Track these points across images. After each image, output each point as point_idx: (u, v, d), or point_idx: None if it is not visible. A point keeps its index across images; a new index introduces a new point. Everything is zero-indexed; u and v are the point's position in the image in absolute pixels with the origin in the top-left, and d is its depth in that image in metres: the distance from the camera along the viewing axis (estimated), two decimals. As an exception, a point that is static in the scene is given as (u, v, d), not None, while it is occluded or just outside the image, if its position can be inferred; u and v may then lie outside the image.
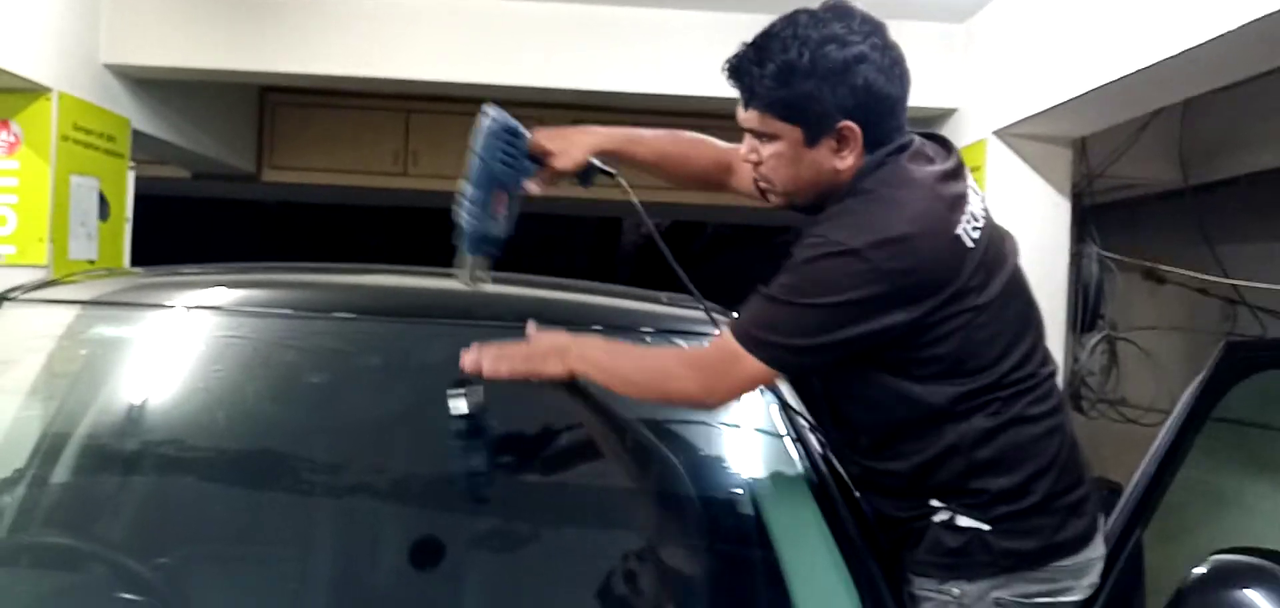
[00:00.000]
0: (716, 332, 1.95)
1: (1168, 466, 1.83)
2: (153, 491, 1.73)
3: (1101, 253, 4.14)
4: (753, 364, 1.60)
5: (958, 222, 1.61)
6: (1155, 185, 4.30)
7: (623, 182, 1.87)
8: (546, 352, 1.70)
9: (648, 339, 1.94)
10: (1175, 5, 2.84)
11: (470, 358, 1.67)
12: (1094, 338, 4.22)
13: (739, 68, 1.65)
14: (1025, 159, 3.89)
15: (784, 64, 1.59)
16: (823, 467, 1.74)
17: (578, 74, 4.60)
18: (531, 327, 1.75)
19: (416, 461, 1.82)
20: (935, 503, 1.66)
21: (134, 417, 1.82)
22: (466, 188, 1.77)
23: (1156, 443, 1.87)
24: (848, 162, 1.63)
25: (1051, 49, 3.49)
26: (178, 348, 1.89)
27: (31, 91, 3.76)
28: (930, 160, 1.66)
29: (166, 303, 2.00)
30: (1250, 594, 1.53)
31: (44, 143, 3.79)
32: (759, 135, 1.67)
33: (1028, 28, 3.69)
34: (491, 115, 1.79)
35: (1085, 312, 4.16)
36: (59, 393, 1.87)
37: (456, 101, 5.93)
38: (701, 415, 1.79)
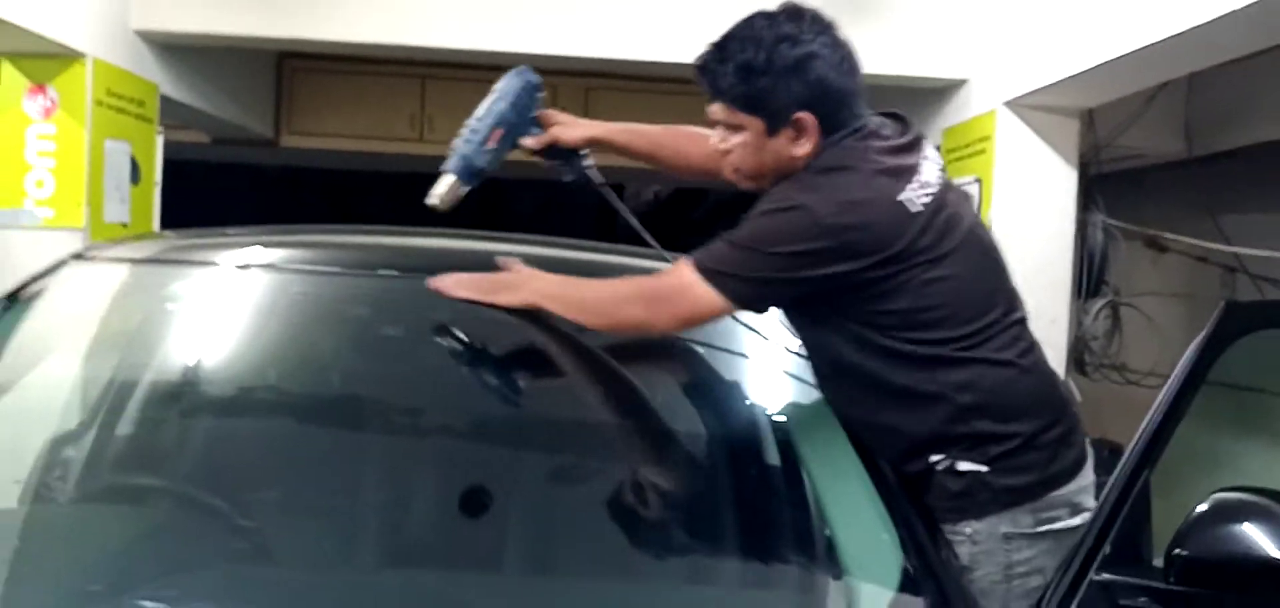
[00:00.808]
0: None
1: (1172, 415, 1.94)
2: (231, 434, 1.84)
3: (1107, 221, 4.25)
4: (705, 293, 1.74)
5: (902, 189, 1.75)
6: (1160, 156, 4.40)
7: (597, 180, 2.09)
8: (507, 282, 1.85)
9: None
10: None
11: (437, 282, 1.83)
12: (1098, 304, 4.34)
13: (705, 67, 1.82)
14: (1034, 129, 3.99)
15: (743, 63, 1.76)
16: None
17: (592, 42, 4.68)
18: (502, 261, 1.90)
19: (464, 408, 1.90)
20: (934, 456, 1.79)
21: (208, 366, 1.92)
22: (473, 119, 2.00)
23: (1162, 394, 1.98)
24: (805, 148, 1.78)
25: (1061, 23, 3.58)
26: (248, 302, 2.00)
27: (67, 57, 3.85)
28: (882, 137, 1.81)
29: (233, 262, 2.10)
30: (1248, 527, 1.65)
31: (79, 107, 3.88)
32: (727, 126, 1.84)
33: (1038, 1, 3.79)
34: (529, 74, 2.02)
35: (1090, 278, 4.28)
36: (139, 346, 1.97)
37: (472, 68, 5.98)
38: (741, 364, 1.89)
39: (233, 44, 4.84)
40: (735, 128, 1.82)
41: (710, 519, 1.72)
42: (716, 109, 1.84)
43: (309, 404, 1.86)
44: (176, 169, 5.03)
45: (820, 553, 1.62)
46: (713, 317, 1.79)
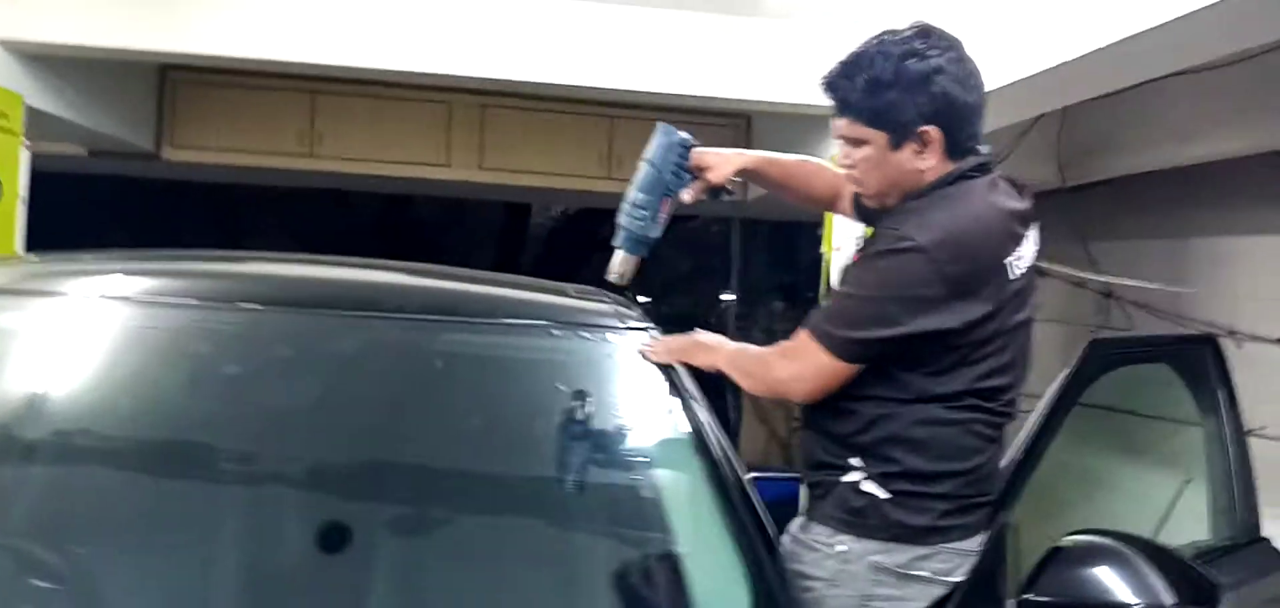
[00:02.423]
0: (620, 326, 2.05)
1: (1032, 455, 1.98)
2: (43, 481, 1.73)
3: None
4: (818, 357, 1.79)
5: (1009, 252, 1.80)
6: (1036, 185, 4.53)
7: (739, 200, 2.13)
8: (704, 345, 1.98)
9: (553, 332, 2.02)
10: (1056, 20, 3.03)
11: (651, 350, 1.98)
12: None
13: (833, 83, 1.85)
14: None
15: (871, 78, 1.79)
16: (714, 445, 1.85)
17: (488, 62, 4.63)
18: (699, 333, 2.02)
19: (314, 450, 1.83)
20: (854, 462, 1.82)
21: (24, 408, 1.81)
22: (635, 194, 2.03)
23: (1022, 434, 2.02)
24: (930, 162, 1.81)
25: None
26: (71, 338, 1.88)
27: (-81, 66, 3.65)
28: (1005, 195, 1.85)
29: (59, 291, 1.98)
30: (1100, 571, 1.69)
31: (-68, 119, 3.67)
32: (851, 141, 1.86)
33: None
34: (673, 132, 2.03)
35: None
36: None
37: (364, 83, 5.92)
38: (600, 400, 1.88)
39: (109, 56, 4.64)
40: (858, 142, 1.85)
41: (565, 556, 1.72)
42: (841, 125, 1.86)
43: (144, 453, 1.77)
44: (51, 182, 4.81)
45: (672, 598, 1.60)
46: (834, 380, 1.80)
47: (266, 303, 1.97)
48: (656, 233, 2.05)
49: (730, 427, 6.83)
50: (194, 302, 1.96)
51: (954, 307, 1.73)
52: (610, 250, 2.07)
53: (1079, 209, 4.43)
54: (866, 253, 1.82)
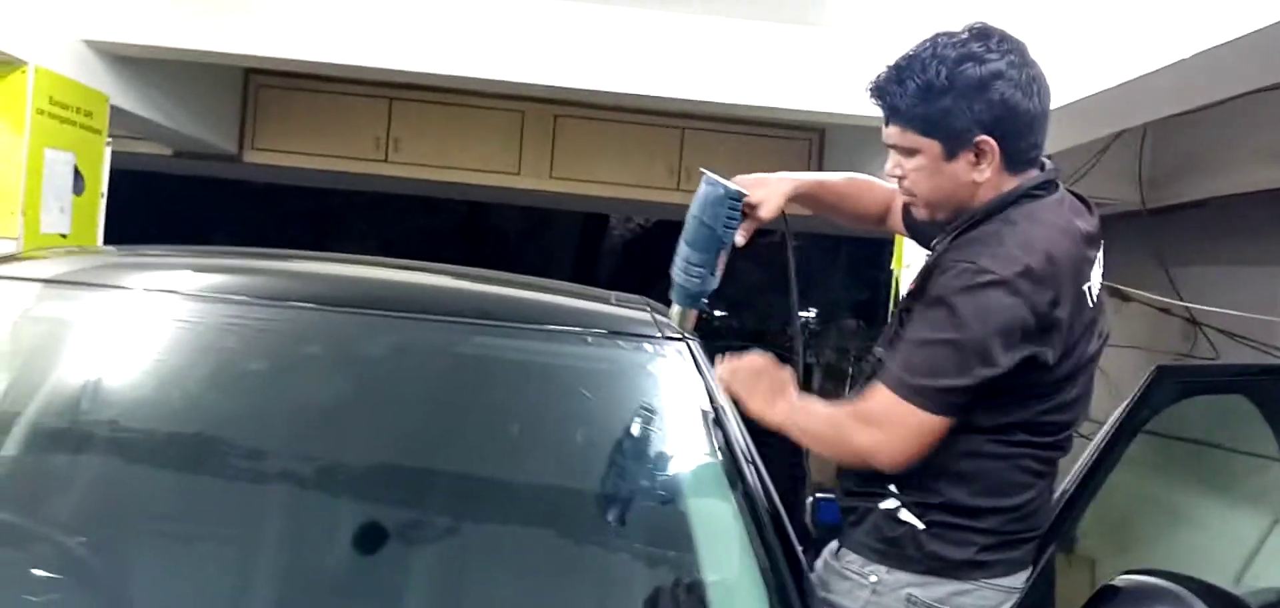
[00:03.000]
0: (659, 335, 1.99)
1: (1088, 486, 1.87)
2: (93, 474, 1.75)
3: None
4: (909, 415, 1.63)
5: (1086, 278, 1.68)
6: (1116, 206, 4.36)
7: (788, 223, 2.00)
8: (762, 393, 1.80)
9: (588, 340, 1.97)
10: (1136, 30, 2.89)
11: (721, 370, 1.84)
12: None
13: (882, 88, 1.73)
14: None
15: (923, 83, 1.66)
16: (745, 465, 1.78)
17: (561, 70, 4.62)
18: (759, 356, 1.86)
19: (359, 451, 1.83)
20: (892, 489, 1.72)
21: (77, 400, 1.84)
22: (689, 252, 1.90)
23: (1079, 462, 1.91)
24: (986, 174, 1.68)
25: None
26: (130, 331, 1.91)
27: (6, 64, 3.77)
28: (1074, 214, 1.73)
29: (123, 284, 2.01)
30: (1156, 615, 1.57)
31: (18, 115, 3.80)
32: (901, 151, 1.74)
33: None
34: (720, 184, 1.89)
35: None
36: (7, 371, 1.89)
37: (439, 91, 5.99)
38: (631, 411, 1.83)
39: (189, 58, 4.76)
40: (909, 152, 1.72)
41: (583, 573, 1.67)
42: (892, 133, 1.74)
43: (189, 447, 1.78)
44: (136, 181, 4.98)
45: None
46: (933, 440, 1.65)
47: (310, 302, 1.97)
48: (714, 285, 1.93)
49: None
50: (232, 297, 1.96)
51: (1044, 340, 1.61)
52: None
53: (1161, 232, 4.23)
54: (935, 292, 1.66)
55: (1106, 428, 1.96)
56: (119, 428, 1.80)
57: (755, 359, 1.83)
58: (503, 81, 4.75)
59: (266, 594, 1.61)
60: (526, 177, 6.33)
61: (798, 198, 2.00)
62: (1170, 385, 2.08)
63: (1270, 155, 3.63)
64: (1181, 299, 4.02)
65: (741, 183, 1.92)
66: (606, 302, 2.16)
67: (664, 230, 10.80)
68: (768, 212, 1.92)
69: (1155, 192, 4.22)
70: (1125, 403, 2.01)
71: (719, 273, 1.93)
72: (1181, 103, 3.18)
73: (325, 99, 6.17)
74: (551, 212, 10.64)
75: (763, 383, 1.80)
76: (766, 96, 4.61)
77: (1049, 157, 1.77)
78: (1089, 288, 1.68)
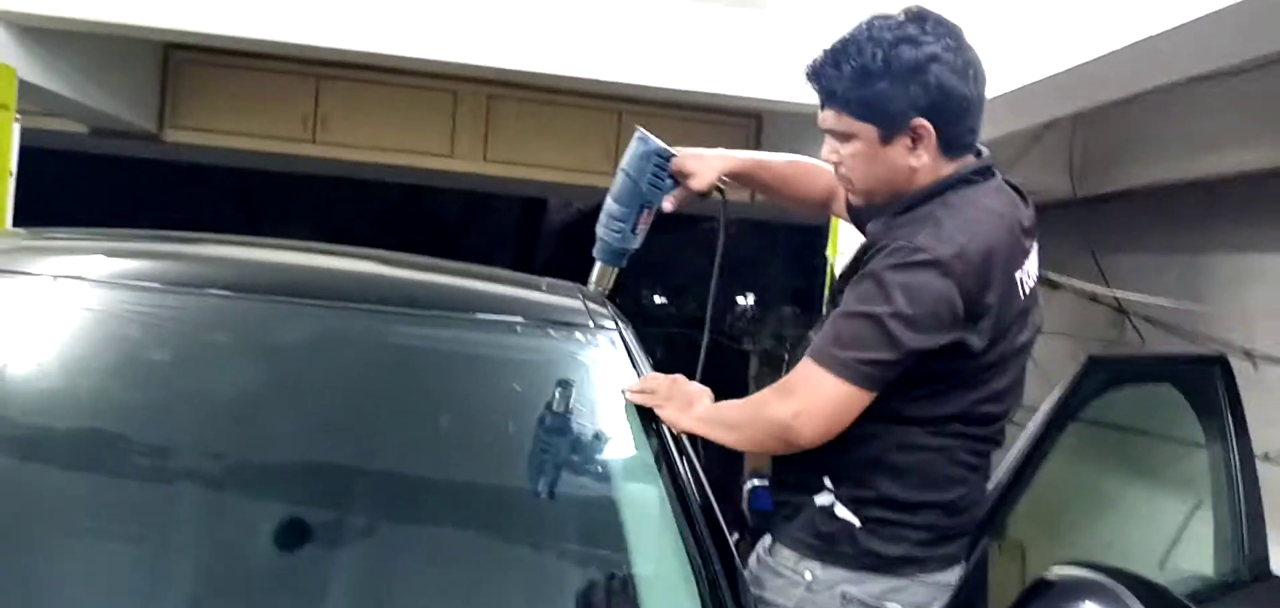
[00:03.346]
0: (590, 324, 1.94)
1: (1021, 477, 1.86)
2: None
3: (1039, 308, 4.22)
4: (829, 385, 1.61)
5: (1019, 267, 1.66)
6: (1047, 195, 4.40)
7: (726, 200, 1.99)
8: (677, 403, 1.75)
9: (517, 328, 1.91)
10: (1071, 20, 2.89)
11: (634, 390, 1.77)
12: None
13: (818, 71, 1.70)
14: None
15: (859, 66, 1.64)
16: (676, 459, 1.73)
17: (495, 52, 4.53)
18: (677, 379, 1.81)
19: (280, 446, 1.76)
20: (826, 483, 1.69)
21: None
22: (612, 205, 1.93)
23: (1012, 453, 1.90)
24: (923, 159, 1.66)
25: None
26: (36, 320, 1.80)
27: (-98, 34, 3.58)
28: (1011, 204, 1.70)
29: (26, 270, 1.90)
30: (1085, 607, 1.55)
31: (-85, 89, 3.61)
32: (838, 135, 1.72)
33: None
34: (649, 141, 1.90)
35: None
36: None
37: (369, 69, 5.84)
38: (562, 403, 1.77)
39: (105, 30, 4.57)
40: (846, 137, 1.70)
41: (517, 566, 1.62)
42: (827, 117, 1.71)
43: (99, 442, 1.68)
44: (51, 160, 4.77)
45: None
46: (849, 413, 1.62)
47: (227, 289, 1.89)
48: (635, 244, 1.94)
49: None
50: (142, 284, 1.87)
51: (971, 326, 1.59)
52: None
53: (1092, 221, 4.28)
54: (869, 268, 1.64)
55: (1039, 417, 1.95)
56: (24, 423, 1.70)
57: (663, 378, 1.79)
58: (434, 61, 4.64)
59: (180, 595, 1.54)
60: (460, 159, 6.20)
61: (735, 175, 1.98)
62: (1101, 375, 2.08)
63: (1200, 145, 3.68)
64: (1110, 287, 4.07)
65: (679, 152, 1.92)
66: (537, 288, 2.10)
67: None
68: (699, 183, 1.92)
69: (1086, 181, 4.26)
70: (1057, 392, 2.00)
71: (641, 233, 1.94)
72: (1114, 92, 3.21)
73: (249, 76, 5.97)
74: (489, 196, 10.51)
75: (677, 392, 1.77)
76: (704, 81, 4.58)
77: (985, 145, 1.76)
78: (1022, 278, 1.66)
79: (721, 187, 1.97)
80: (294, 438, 1.76)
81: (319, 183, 8.90)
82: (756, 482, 1.91)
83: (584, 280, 2.06)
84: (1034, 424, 1.96)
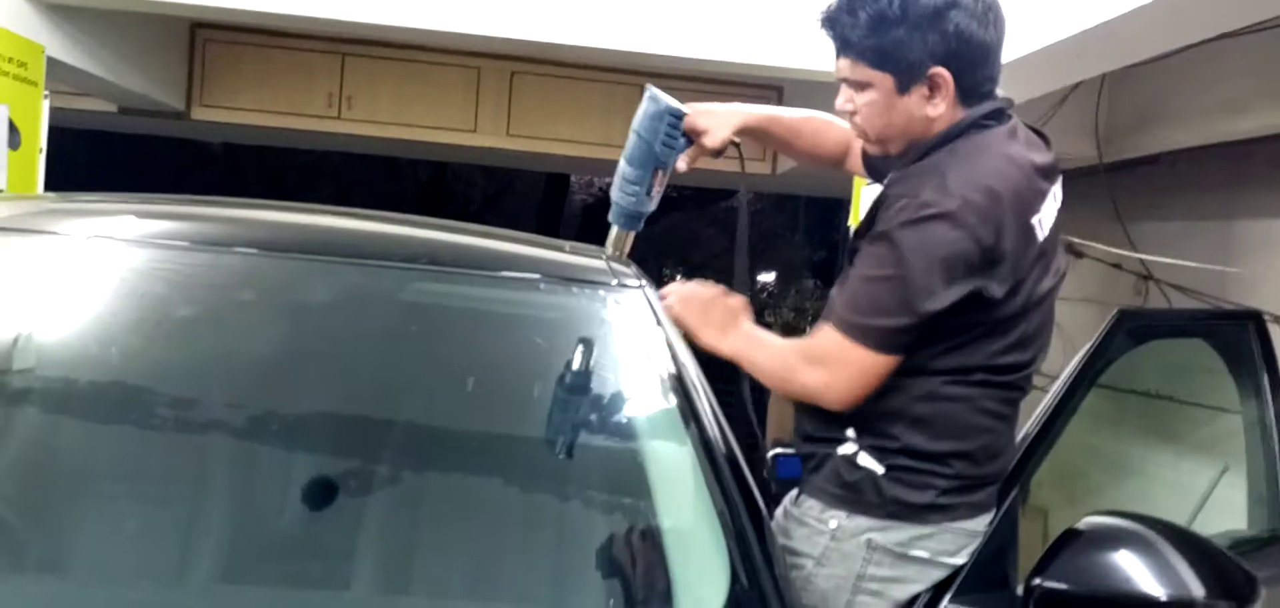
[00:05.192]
0: (614, 283, 1.95)
1: (1050, 429, 1.85)
2: (33, 427, 1.67)
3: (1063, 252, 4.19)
4: (855, 354, 1.61)
5: (1036, 210, 1.63)
6: (1072, 161, 4.35)
7: (742, 155, 1.96)
8: (714, 322, 1.77)
9: (541, 286, 1.92)
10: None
11: (668, 291, 1.79)
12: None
13: (833, 18, 1.67)
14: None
15: (875, 13, 1.61)
16: (705, 413, 1.73)
17: (518, 24, 4.53)
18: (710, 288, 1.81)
19: (316, 401, 1.77)
20: (849, 433, 1.68)
21: (9, 352, 1.75)
22: (626, 168, 1.88)
23: (1041, 406, 1.89)
24: (940, 109, 1.63)
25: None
26: (68, 279, 1.82)
27: (-64, 12, 3.62)
28: (1028, 146, 1.67)
29: (59, 230, 1.92)
30: (1121, 557, 1.53)
31: (-52, 66, 3.65)
32: (853, 85, 1.69)
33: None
34: (660, 100, 1.84)
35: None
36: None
37: (393, 46, 5.86)
38: (586, 359, 1.77)
39: (132, 8, 4.60)
40: (861, 86, 1.67)
41: (548, 525, 1.62)
42: (842, 65, 1.69)
43: (132, 399, 1.70)
44: (81, 139, 4.82)
45: (649, 577, 1.50)
46: (877, 378, 1.62)
47: (257, 246, 1.90)
48: (651, 206, 1.91)
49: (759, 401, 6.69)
50: (171, 243, 1.90)
51: (988, 274, 1.56)
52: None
53: (1118, 187, 4.23)
54: (880, 228, 1.62)
55: (1068, 372, 1.94)
56: (59, 381, 1.72)
57: (704, 288, 1.79)
58: (457, 34, 4.65)
59: (214, 548, 1.55)
60: (483, 134, 6.22)
61: (748, 131, 1.95)
62: (1131, 328, 2.06)
63: (1229, 108, 3.63)
64: (1136, 253, 4.03)
65: (691, 109, 1.88)
66: (561, 250, 2.11)
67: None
68: (713, 141, 1.88)
69: (1113, 146, 4.21)
70: (1086, 346, 1.99)
71: (656, 195, 1.89)
72: (1140, 52, 3.17)
73: (275, 54, 6.01)
74: (513, 174, 10.52)
75: (714, 312, 1.77)
76: (726, 51, 4.55)
77: (1001, 89, 1.72)
78: (1038, 221, 1.63)
79: (736, 143, 1.95)
80: (325, 393, 1.78)
81: (345, 164, 8.95)
82: (780, 450, 1.91)
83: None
84: (1063, 377, 1.95)
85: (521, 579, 1.54)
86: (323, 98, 6.14)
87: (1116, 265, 4.15)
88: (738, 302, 1.78)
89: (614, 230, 1.94)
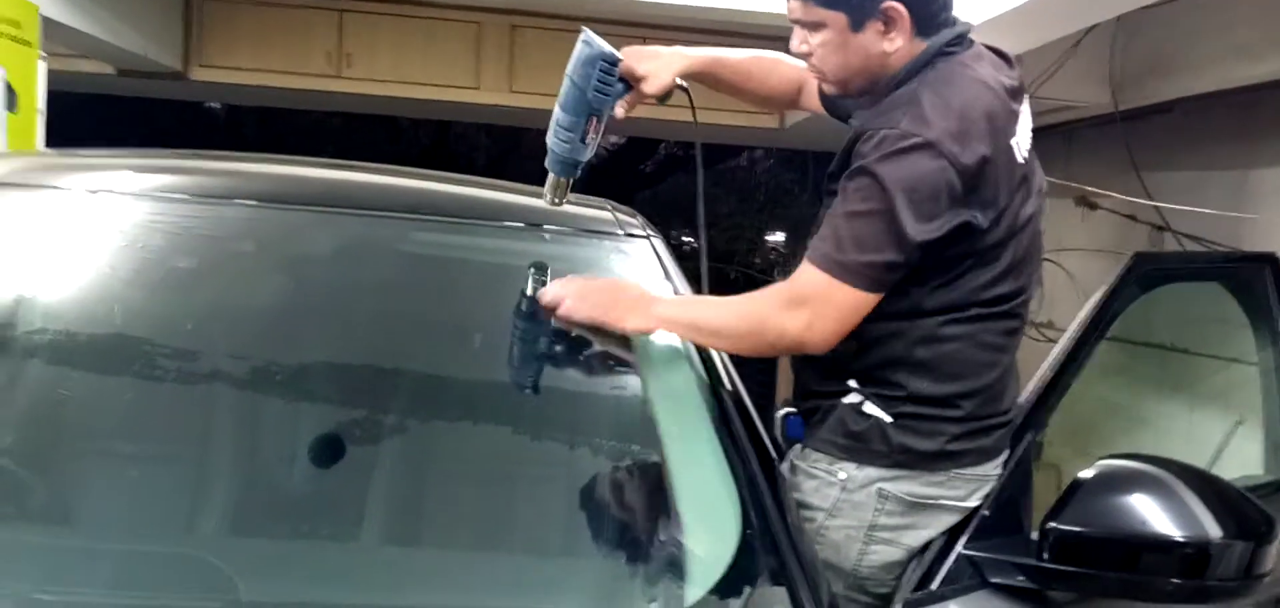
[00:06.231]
0: (620, 233, 1.91)
1: (1067, 370, 1.81)
2: (36, 382, 1.65)
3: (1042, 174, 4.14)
4: (846, 293, 1.55)
5: (1013, 132, 1.59)
6: (1086, 108, 4.28)
7: (691, 98, 1.87)
8: (631, 303, 1.64)
9: (546, 236, 1.89)
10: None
11: (551, 293, 1.63)
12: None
13: None
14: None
15: None
16: (715, 364, 1.70)
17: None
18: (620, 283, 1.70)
19: (312, 349, 1.75)
20: (852, 384, 1.65)
21: (14, 307, 1.73)
22: (561, 115, 1.80)
23: (1055, 350, 1.85)
24: (898, 44, 1.60)
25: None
26: (68, 233, 1.80)
27: (-73, -30, 3.57)
28: (994, 68, 1.64)
29: (58, 185, 1.90)
30: (1137, 499, 1.51)
31: (-59, 26, 3.60)
32: (806, 25, 1.65)
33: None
34: (593, 44, 1.77)
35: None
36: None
37: (393, 1, 5.79)
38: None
39: (127, -34, 4.55)
40: (815, 26, 1.63)
41: (556, 474, 1.59)
42: (794, 6, 1.64)
43: (129, 352, 1.68)
44: (80, 103, 4.77)
45: (660, 525, 1.47)
46: (858, 317, 1.56)
47: (267, 199, 1.90)
48: (586, 154, 1.82)
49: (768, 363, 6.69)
50: (172, 195, 1.88)
51: (974, 203, 1.52)
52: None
53: (1134, 136, 4.16)
54: (857, 163, 1.56)
55: (1082, 315, 1.90)
56: (61, 334, 1.69)
57: (592, 279, 1.68)
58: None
59: (221, 501, 1.54)
60: (486, 92, 6.15)
61: (692, 74, 1.85)
62: (1147, 273, 2.02)
63: (1246, 52, 3.56)
64: (1153, 202, 3.97)
65: (629, 53, 1.79)
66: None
67: (635, 149, 10.64)
68: (653, 87, 1.78)
69: (1128, 93, 4.14)
70: (1102, 290, 1.94)
71: (592, 142, 1.81)
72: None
73: (273, 13, 5.94)
74: (518, 134, 10.46)
75: (624, 295, 1.66)
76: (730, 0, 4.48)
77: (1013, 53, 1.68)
78: (1016, 143, 1.59)
79: (684, 88, 1.86)
80: (330, 344, 1.75)
81: (346, 126, 8.90)
82: (790, 409, 1.87)
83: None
84: (1075, 324, 1.91)
85: (531, 529, 1.52)
86: (321, 56, 6.07)
87: (1131, 216, 4.09)
88: (635, 284, 1.69)
89: (551, 177, 1.85)
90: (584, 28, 1.81)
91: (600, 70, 1.76)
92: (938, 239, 1.53)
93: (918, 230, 1.51)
